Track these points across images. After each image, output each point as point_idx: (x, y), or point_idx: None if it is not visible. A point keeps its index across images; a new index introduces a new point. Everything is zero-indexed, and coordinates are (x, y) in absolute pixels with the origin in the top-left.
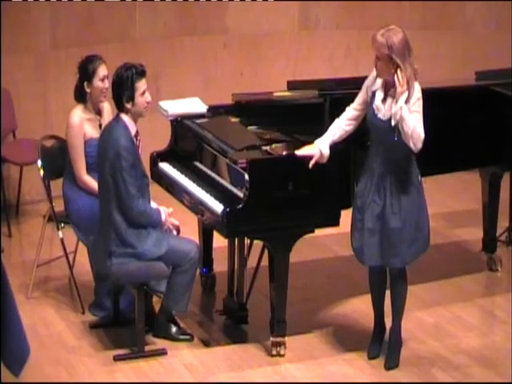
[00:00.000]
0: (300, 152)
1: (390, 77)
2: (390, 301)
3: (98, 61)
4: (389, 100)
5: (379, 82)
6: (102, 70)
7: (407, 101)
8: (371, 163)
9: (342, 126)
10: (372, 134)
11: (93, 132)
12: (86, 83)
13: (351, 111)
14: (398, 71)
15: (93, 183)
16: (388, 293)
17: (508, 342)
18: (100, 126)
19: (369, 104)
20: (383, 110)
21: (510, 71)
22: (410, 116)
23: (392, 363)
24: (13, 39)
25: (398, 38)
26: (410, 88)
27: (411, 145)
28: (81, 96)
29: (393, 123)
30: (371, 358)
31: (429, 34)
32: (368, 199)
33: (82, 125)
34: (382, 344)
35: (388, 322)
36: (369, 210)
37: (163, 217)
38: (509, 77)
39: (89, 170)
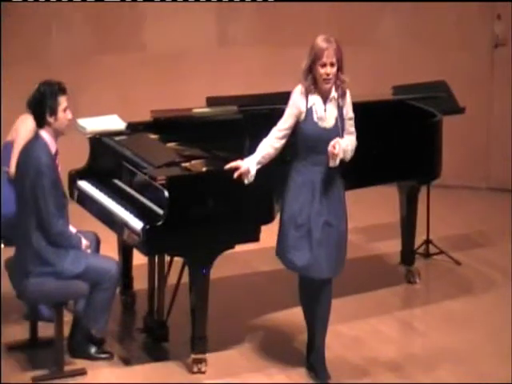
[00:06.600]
0: (227, 166)
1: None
2: (315, 313)
3: None
4: (328, 106)
5: (315, 97)
6: None
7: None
8: (308, 177)
9: (272, 144)
10: (315, 147)
11: None
12: None
13: (280, 131)
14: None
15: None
16: None
17: (426, 353)
18: None
19: (304, 121)
20: (326, 118)
21: (425, 86)
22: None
23: (327, 376)
24: None
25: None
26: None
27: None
28: None
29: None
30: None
31: (344, 49)
32: (312, 212)
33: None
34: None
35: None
36: (314, 222)
37: (83, 246)
38: (425, 91)
39: None
